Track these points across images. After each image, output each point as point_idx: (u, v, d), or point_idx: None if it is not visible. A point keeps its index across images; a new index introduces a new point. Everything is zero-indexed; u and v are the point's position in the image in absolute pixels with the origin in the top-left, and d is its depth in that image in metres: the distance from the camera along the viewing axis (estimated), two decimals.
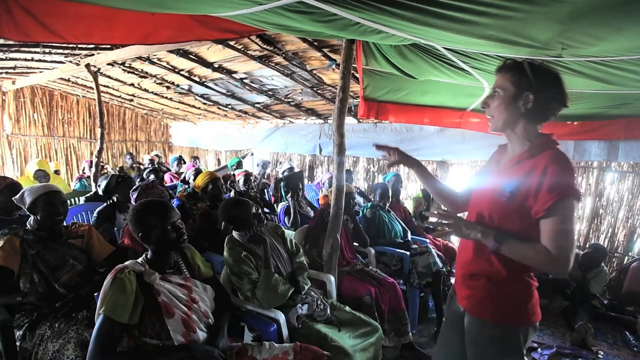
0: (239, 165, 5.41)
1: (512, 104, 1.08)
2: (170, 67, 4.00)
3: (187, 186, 4.16)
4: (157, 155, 6.24)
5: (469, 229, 1.09)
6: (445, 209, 1.37)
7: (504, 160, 1.21)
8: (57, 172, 5.08)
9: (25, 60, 3.88)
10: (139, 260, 1.38)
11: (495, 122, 1.14)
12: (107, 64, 4.00)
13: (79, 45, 3.32)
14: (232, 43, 3.04)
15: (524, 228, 1.06)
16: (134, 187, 2.52)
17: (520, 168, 1.10)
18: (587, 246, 3.61)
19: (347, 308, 1.98)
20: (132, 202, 2.49)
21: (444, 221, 1.13)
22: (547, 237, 1.01)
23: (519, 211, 1.06)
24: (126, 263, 1.33)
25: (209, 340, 1.38)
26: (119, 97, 6.04)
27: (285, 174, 4.40)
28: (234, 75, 3.95)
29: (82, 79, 5.05)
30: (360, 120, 5.13)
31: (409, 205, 3.99)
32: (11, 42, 2.97)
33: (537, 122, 1.10)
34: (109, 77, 4.71)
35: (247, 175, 4.02)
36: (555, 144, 1.10)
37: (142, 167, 5.71)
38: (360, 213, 3.24)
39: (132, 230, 1.40)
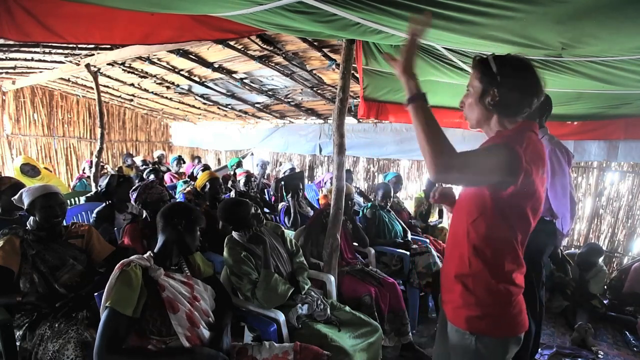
0: (239, 165, 5.40)
1: (480, 101, 1.07)
2: (170, 67, 3.99)
3: (186, 185, 4.16)
4: (161, 155, 6.24)
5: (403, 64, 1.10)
6: None
7: None
8: (46, 169, 5.06)
9: (25, 60, 3.87)
10: (145, 255, 1.39)
11: (470, 120, 1.14)
12: (107, 64, 4.00)
13: (79, 45, 3.31)
14: (232, 43, 3.03)
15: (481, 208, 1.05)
16: (133, 187, 2.52)
17: None
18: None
19: (347, 308, 1.98)
20: (132, 202, 2.49)
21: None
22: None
23: (479, 193, 1.05)
24: (132, 257, 1.35)
25: (212, 340, 1.39)
26: (119, 97, 6.03)
27: (287, 174, 4.40)
28: (234, 75, 3.95)
29: (82, 79, 5.04)
30: (360, 120, 5.12)
31: (410, 206, 3.99)
32: (11, 42, 2.97)
33: (510, 115, 1.07)
34: (109, 77, 4.71)
35: (249, 176, 4.02)
36: (517, 133, 1.05)
37: (139, 167, 5.70)
38: (360, 213, 3.24)
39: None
